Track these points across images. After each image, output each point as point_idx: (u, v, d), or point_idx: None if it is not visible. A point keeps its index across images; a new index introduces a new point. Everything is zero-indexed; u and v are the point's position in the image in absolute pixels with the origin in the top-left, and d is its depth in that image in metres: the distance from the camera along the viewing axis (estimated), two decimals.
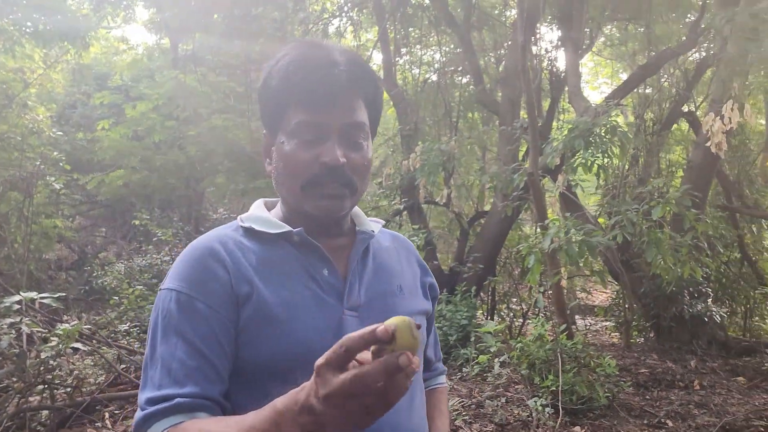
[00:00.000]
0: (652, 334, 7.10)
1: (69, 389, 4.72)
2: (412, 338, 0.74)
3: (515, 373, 5.02)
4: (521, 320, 7.42)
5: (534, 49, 7.59)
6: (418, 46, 10.05)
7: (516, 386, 4.98)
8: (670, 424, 4.50)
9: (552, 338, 4.82)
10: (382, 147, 10.02)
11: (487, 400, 4.61)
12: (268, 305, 1.00)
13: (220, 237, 1.07)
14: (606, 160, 5.27)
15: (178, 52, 9.49)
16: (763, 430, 4.37)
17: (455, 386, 5.06)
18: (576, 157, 5.26)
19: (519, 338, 5.39)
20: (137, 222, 9.00)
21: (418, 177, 6.43)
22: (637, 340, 7.11)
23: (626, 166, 6.38)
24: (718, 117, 5.48)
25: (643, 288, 6.48)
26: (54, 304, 4.34)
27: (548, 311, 7.14)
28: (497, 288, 8.16)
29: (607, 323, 8.94)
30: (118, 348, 5.90)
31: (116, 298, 7.25)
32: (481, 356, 5.17)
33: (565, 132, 5.86)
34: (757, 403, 4.99)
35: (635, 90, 7.88)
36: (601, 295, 12.45)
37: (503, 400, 4.65)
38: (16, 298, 4.21)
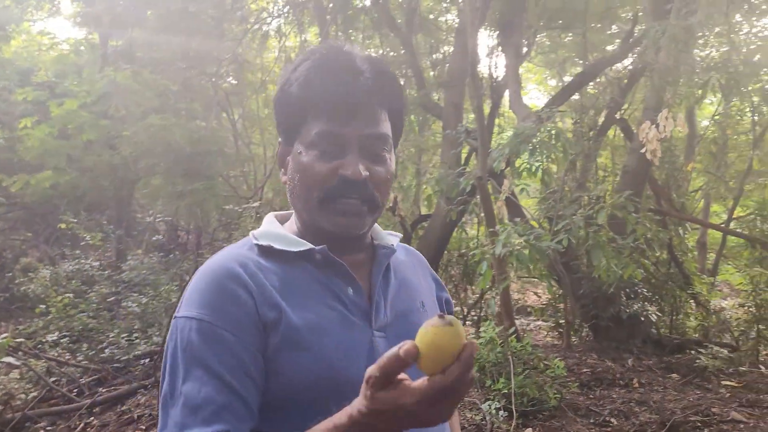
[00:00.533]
0: (584, 334, 7.33)
1: None
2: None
3: None
4: (462, 323, 7.50)
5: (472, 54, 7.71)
6: (360, 49, 10.00)
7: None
8: (614, 422, 4.64)
9: (501, 341, 4.87)
10: None
11: None
12: (296, 331, 0.93)
13: (237, 258, 0.99)
14: (549, 164, 5.40)
15: (108, 48, 9.07)
16: (700, 424, 4.57)
17: None
18: (521, 162, 5.36)
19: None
20: (63, 225, 8.54)
21: None
22: (574, 340, 7.31)
23: (566, 171, 6.55)
24: (654, 125, 5.71)
25: (582, 289, 6.68)
26: None
27: (494, 315, 7.24)
28: None
29: (540, 323, 9.17)
30: (48, 360, 5.58)
31: (43, 306, 6.83)
32: None
33: (506, 137, 5.98)
34: (691, 399, 5.22)
35: (572, 97, 8.12)
36: (532, 296, 12.79)
37: None
38: None
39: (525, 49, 8.52)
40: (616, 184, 7.04)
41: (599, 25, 9.40)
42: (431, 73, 10.08)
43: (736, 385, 5.67)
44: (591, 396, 5.24)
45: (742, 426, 4.58)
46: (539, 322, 9.33)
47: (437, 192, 6.25)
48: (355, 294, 1.01)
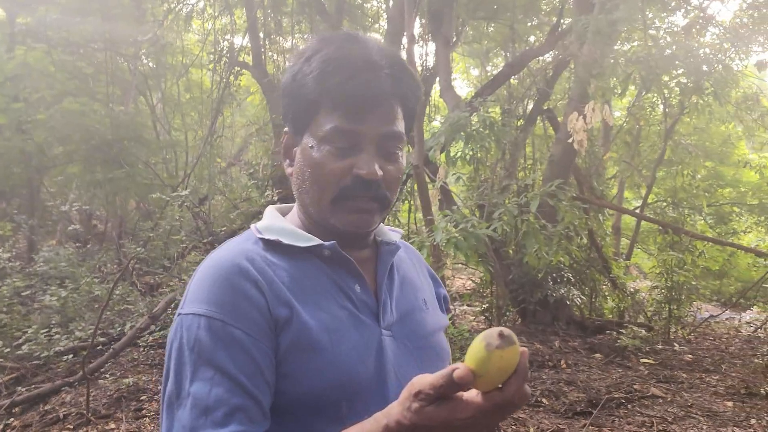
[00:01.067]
0: (512, 317, 7.56)
1: None
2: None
3: None
4: None
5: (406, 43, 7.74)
6: (290, 37, 9.83)
7: None
8: (546, 402, 4.82)
9: None
10: (253, 137, 9.70)
11: None
12: (309, 330, 0.89)
13: (244, 252, 0.94)
14: (481, 153, 5.51)
15: (16, 26, 8.46)
16: (623, 401, 4.81)
17: None
18: (456, 150, 5.44)
19: None
20: None
21: None
22: (505, 323, 7.53)
23: (497, 160, 6.70)
24: (581, 116, 5.92)
25: (511, 275, 6.88)
26: None
27: None
28: None
29: (466, 308, 9.39)
30: None
31: None
32: None
33: (436, 126, 6.04)
34: (614, 377, 5.49)
35: (501, 87, 8.29)
36: (458, 282, 13.08)
37: None
38: None
39: (454, 38, 8.62)
40: (543, 173, 7.27)
41: (522, 17, 9.65)
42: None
43: (653, 362, 6.02)
44: None
45: (660, 401, 4.86)
46: (464, 307, 9.55)
47: None
48: (363, 291, 0.99)
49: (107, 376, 5.01)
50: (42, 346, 5.37)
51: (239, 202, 8.23)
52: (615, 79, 6.85)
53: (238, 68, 9.21)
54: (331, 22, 8.29)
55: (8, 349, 5.39)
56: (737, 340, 7.53)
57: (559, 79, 8.98)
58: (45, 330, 5.69)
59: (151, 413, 4.34)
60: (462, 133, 5.17)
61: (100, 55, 8.63)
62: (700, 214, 10.76)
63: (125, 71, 10.30)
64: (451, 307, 10.13)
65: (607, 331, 7.13)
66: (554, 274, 6.82)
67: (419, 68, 8.20)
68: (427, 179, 5.49)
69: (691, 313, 8.12)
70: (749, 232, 12.82)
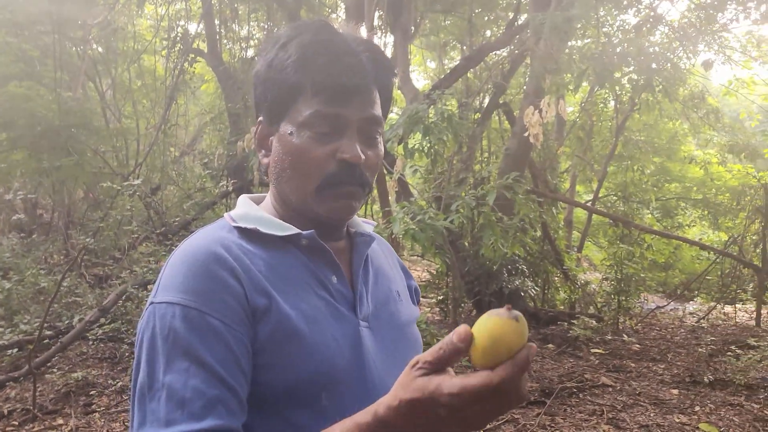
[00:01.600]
0: (463, 308, 7.66)
1: None
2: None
3: None
4: None
5: (365, 33, 7.71)
6: (246, 24, 9.66)
7: None
8: None
9: None
10: (208, 126, 9.52)
11: None
12: (289, 319, 0.87)
13: (219, 240, 0.91)
14: (438, 146, 5.53)
15: None
16: (575, 390, 4.93)
17: None
18: (413, 142, 5.44)
19: None
20: None
21: (252, 159, 6.22)
22: (461, 315, 7.61)
23: (453, 153, 6.75)
24: (537, 110, 6.00)
25: (467, 267, 6.95)
26: None
27: None
28: None
29: (421, 299, 9.46)
30: None
31: None
32: None
33: (393, 118, 6.04)
34: (566, 367, 5.62)
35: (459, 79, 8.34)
36: (414, 273, 13.18)
37: None
38: None
39: (412, 30, 8.63)
40: (499, 166, 7.35)
41: (479, 11, 9.73)
42: None
43: (603, 352, 6.19)
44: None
45: (610, 389, 5.00)
46: (420, 299, 9.62)
47: None
48: (339, 282, 0.97)
49: (54, 370, 4.86)
50: None
51: (193, 192, 8.08)
52: (569, 74, 6.98)
53: (193, 55, 9.02)
54: (288, 11, 8.19)
55: None
56: (682, 330, 7.80)
57: (515, 74, 9.09)
58: None
59: (101, 408, 4.24)
60: (420, 126, 5.18)
61: (47, 38, 8.30)
62: (648, 208, 11.10)
63: (74, 56, 9.94)
64: None
65: (559, 322, 7.29)
66: (509, 266, 6.92)
67: None
68: (385, 171, 5.49)
69: (639, 304, 8.37)
70: (693, 225, 13.28)
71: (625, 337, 6.84)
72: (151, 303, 0.85)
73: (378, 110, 0.97)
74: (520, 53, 7.51)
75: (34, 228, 9.35)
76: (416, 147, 5.36)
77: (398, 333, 1.03)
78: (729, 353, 5.91)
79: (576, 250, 10.32)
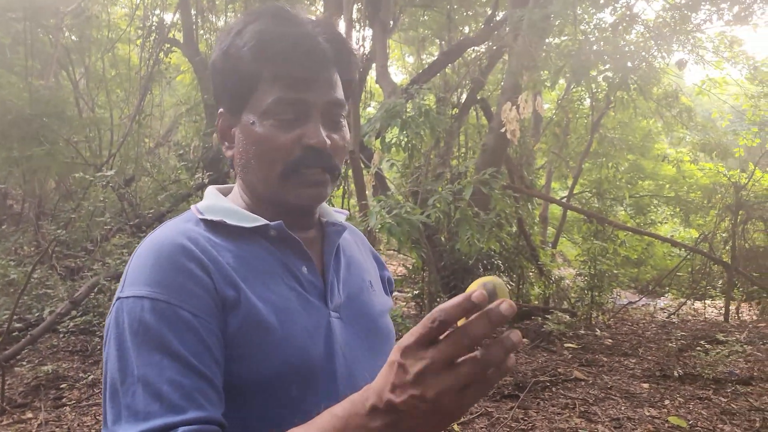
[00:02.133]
0: (438, 302, 7.67)
1: None
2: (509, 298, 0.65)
3: None
4: None
5: (343, 26, 7.68)
6: (223, 15, 9.55)
7: None
8: None
9: None
10: (183, 117, 9.40)
11: None
12: (258, 311, 0.85)
13: (185, 232, 0.89)
14: (416, 140, 5.54)
15: None
16: (548, 384, 4.98)
17: None
18: (391, 137, 5.45)
19: None
20: None
21: None
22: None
23: (431, 147, 6.77)
24: (514, 107, 6.04)
25: (443, 261, 6.98)
26: None
27: None
28: None
29: (397, 293, 9.49)
30: None
31: None
32: None
33: (371, 112, 6.04)
34: (540, 361, 5.68)
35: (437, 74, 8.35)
36: (390, 267, 13.21)
37: None
38: None
39: (391, 24, 8.62)
40: (476, 162, 7.39)
41: (458, 6, 9.75)
42: None
43: (576, 347, 6.26)
44: None
45: (583, 383, 5.07)
46: (396, 293, 9.65)
47: None
48: (310, 273, 0.96)
49: (24, 363, 4.78)
50: None
51: (168, 184, 7.98)
52: (547, 71, 7.03)
53: (168, 45, 8.89)
54: (266, 2, 8.11)
55: None
56: (653, 326, 7.93)
57: (493, 70, 9.13)
58: None
59: (72, 402, 4.18)
60: (398, 120, 5.18)
61: (18, 24, 8.12)
62: (622, 204, 11.24)
63: (46, 44, 9.75)
64: None
65: (534, 317, 7.35)
66: (485, 261, 6.97)
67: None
68: (362, 165, 5.48)
69: (612, 299, 8.48)
70: (665, 222, 13.49)
71: (598, 332, 6.93)
72: (118, 298, 0.83)
73: (340, 93, 0.96)
74: (498, 49, 7.54)
75: (4, 218, 9.16)
76: (393, 141, 5.37)
77: (371, 323, 1.02)
78: (698, 348, 6.03)
79: (551, 245, 10.41)
